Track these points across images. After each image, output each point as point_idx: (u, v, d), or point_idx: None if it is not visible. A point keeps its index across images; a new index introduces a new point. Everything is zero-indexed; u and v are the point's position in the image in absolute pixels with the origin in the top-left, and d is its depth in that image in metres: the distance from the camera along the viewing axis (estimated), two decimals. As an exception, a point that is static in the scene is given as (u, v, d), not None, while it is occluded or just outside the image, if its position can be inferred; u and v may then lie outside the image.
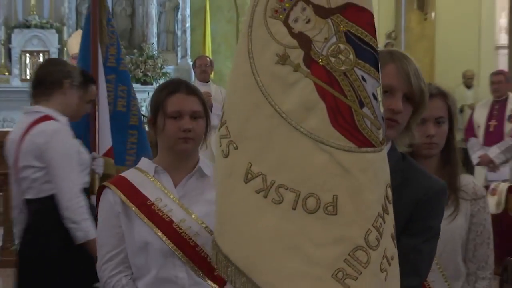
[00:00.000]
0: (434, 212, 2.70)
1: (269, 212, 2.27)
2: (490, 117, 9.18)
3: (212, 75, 11.37)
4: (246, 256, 2.34)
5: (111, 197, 3.27)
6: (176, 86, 3.30)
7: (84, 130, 5.76)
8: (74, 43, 10.36)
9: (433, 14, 13.62)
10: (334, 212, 2.20)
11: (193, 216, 3.23)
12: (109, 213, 3.27)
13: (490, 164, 8.80)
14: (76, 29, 13.82)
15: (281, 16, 2.29)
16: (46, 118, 4.76)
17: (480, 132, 9.13)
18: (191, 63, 12.92)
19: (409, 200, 2.56)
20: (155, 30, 14.94)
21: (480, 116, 9.24)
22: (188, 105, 3.25)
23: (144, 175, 3.31)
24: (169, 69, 14.66)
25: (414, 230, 2.61)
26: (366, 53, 2.24)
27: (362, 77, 2.22)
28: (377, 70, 2.25)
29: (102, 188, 3.34)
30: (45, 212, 4.68)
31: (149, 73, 13.97)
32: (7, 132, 9.02)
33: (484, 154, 8.83)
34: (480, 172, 9.15)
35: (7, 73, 14.24)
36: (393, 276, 2.29)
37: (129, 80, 6.64)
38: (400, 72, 2.63)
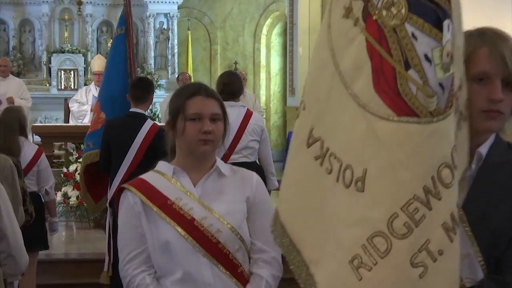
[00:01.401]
0: None
1: (322, 183, 1.64)
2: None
3: (191, 87, 11.62)
4: (298, 228, 1.73)
5: (131, 198, 2.57)
6: (195, 90, 2.60)
7: None
8: (96, 63, 10.85)
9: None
10: (362, 189, 1.51)
11: (214, 214, 2.52)
12: (129, 214, 2.57)
13: None
14: (97, 53, 13.76)
15: None
16: (249, 111, 5.50)
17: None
18: (177, 78, 13.18)
19: None
20: (152, 54, 14.72)
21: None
22: (208, 108, 2.55)
23: (163, 177, 2.59)
24: (162, 82, 14.35)
25: None
26: (422, 7, 1.48)
27: (413, 34, 1.47)
28: (438, 28, 1.47)
29: (121, 190, 2.64)
30: None
31: (148, 85, 13.83)
32: (50, 126, 9.48)
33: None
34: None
35: (47, 84, 14.12)
36: (439, 275, 1.48)
37: None
38: (494, 56, 1.74)
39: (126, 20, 6.20)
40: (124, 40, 6.15)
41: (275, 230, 1.80)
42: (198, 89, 2.60)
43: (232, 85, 5.41)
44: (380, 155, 1.49)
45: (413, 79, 1.47)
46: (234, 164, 2.83)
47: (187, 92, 2.61)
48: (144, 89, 5.43)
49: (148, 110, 12.29)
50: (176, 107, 2.58)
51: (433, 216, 1.47)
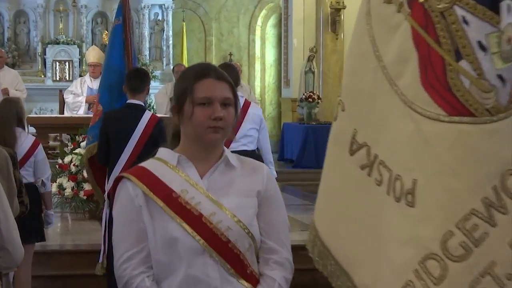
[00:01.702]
0: None
1: (372, 196, 1.38)
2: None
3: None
4: (346, 249, 1.47)
5: (131, 190, 2.24)
6: (205, 71, 2.27)
7: None
8: (91, 54, 10.70)
9: (342, 35, 13.44)
10: (412, 203, 1.27)
11: (223, 209, 2.21)
12: (128, 208, 2.24)
13: None
14: (92, 45, 13.66)
15: None
16: (247, 100, 5.68)
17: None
18: (172, 69, 13.16)
19: None
20: (147, 45, 14.86)
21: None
22: (218, 91, 2.23)
23: (166, 165, 2.26)
24: (157, 73, 14.44)
25: None
26: None
27: (464, 18, 1.23)
28: (494, 11, 1.22)
29: (119, 179, 2.31)
30: None
31: (143, 76, 13.85)
32: (45, 117, 9.45)
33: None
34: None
35: (42, 76, 14.21)
36: None
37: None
38: None
39: (123, 10, 6.14)
40: (121, 31, 6.09)
41: (315, 251, 1.55)
42: (207, 71, 2.28)
43: None
44: (429, 161, 1.25)
45: (466, 71, 1.23)
46: (233, 152, 2.56)
47: (195, 73, 2.28)
48: (141, 79, 5.41)
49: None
50: (183, 90, 2.26)
51: (498, 234, 1.23)
